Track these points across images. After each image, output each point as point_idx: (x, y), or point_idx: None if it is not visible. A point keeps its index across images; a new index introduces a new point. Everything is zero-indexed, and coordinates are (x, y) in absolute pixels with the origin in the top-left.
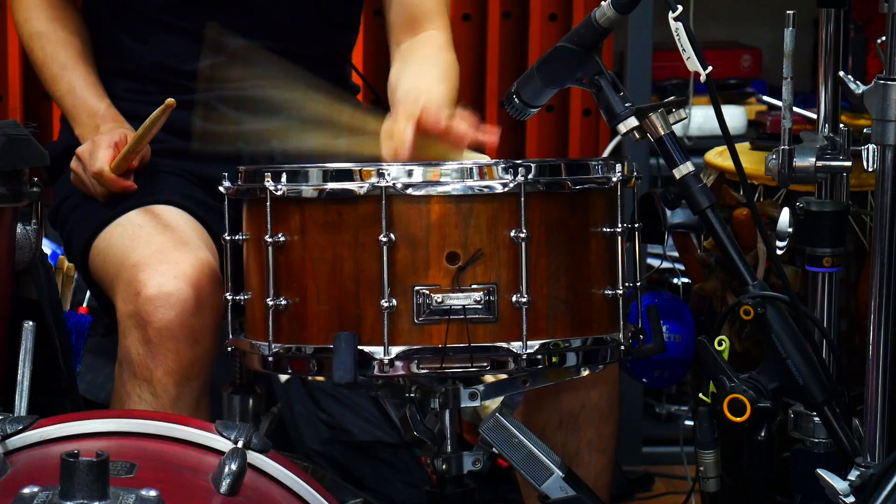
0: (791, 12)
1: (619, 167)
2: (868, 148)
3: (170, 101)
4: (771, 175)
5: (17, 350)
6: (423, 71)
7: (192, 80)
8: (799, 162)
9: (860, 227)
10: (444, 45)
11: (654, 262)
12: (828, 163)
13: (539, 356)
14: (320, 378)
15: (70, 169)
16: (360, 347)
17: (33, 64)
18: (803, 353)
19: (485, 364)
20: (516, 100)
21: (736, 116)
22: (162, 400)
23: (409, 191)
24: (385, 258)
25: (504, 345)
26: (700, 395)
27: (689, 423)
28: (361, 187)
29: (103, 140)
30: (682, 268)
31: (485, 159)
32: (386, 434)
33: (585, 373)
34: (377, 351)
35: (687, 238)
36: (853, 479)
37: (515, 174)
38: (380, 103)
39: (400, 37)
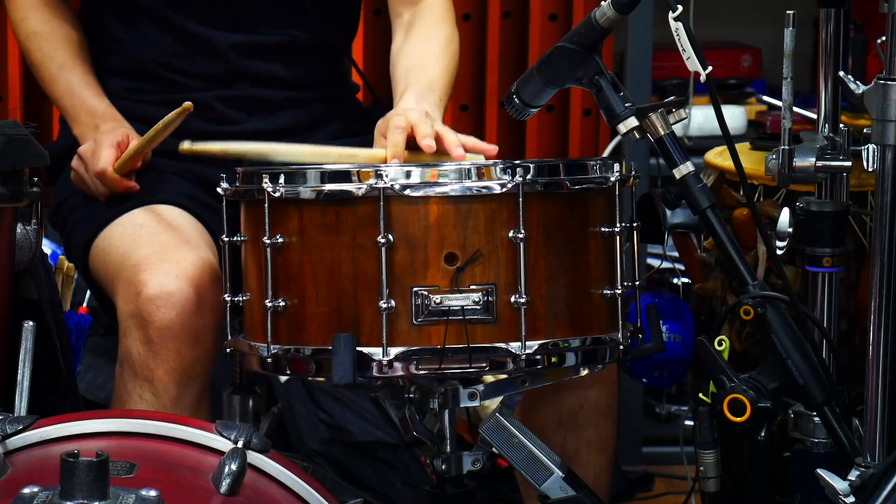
0: (791, 12)
1: (617, 167)
2: (868, 148)
3: (187, 104)
4: (771, 175)
5: (17, 350)
6: (424, 47)
7: (191, 78)
8: (799, 162)
9: (860, 227)
10: (444, 15)
11: (654, 262)
12: (828, 163)
13: (538, 356)
14: (319, 379)
15: (70, 168)
16: (358, 348)
17: (30, 64)
18: (803, 353)
19: (484, 364)
20: (516, 100)
21: (736, 116)
22: (163, 400)
23: (408, 192)
24: (383, 259)
25: (503, 345)
26: (700, 395)
27: (689, 423)
28: (359, 188)
29: (106, 139)
30: (682, 268)
31: (480, 159)
32: (386, 434)
33: (584, 373)
34: (376, 352)
35: (687, 238)
36: (853, 479)
37: (513, 175)
38: (380, 103)
39: (400, 7)
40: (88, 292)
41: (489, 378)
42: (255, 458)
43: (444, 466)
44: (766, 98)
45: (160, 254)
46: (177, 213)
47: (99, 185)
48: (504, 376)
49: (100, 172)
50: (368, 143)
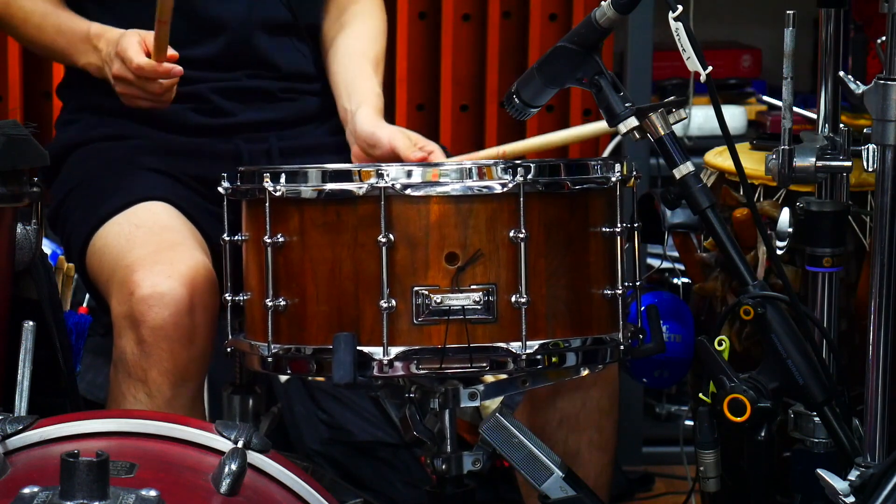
0: (791, 12)
1: (618, 167)
2: (868, 148)
3: None
4: (771, 175)
5: (17, 350)
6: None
7: (188, 65)
8: (799, 162)
9: (860, 227)
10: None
11: (654, 262)
12: (828, 163)
13: (538, 356)
14: (320, 378)
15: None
16: (359, 348)
17: (14, 29)
18: (803, 353)
19: (484, 364)
20: (516, 100)
21: (736, 116)
22: (157, 401)
23: (408, 191)
24: (384, 259)
25: (503, 345)
26: (700, 395)
27: (689, 423)
28: (360, 188)
29: (127, 40)
30: (682, 268)
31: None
32: (386, 434)
33: (585, 373)
34: (376, 351)
35: (687, 238)
36: (853, 479)
37: (514, 174)
38: None
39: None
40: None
41: (489, 378)
42: (255, 458)
43: (444, 466)
44: (766, 98)
45: (154, 255)
46: (173, 212)
47: (149, 85)
48: (504, 376)
49: (139, 67)
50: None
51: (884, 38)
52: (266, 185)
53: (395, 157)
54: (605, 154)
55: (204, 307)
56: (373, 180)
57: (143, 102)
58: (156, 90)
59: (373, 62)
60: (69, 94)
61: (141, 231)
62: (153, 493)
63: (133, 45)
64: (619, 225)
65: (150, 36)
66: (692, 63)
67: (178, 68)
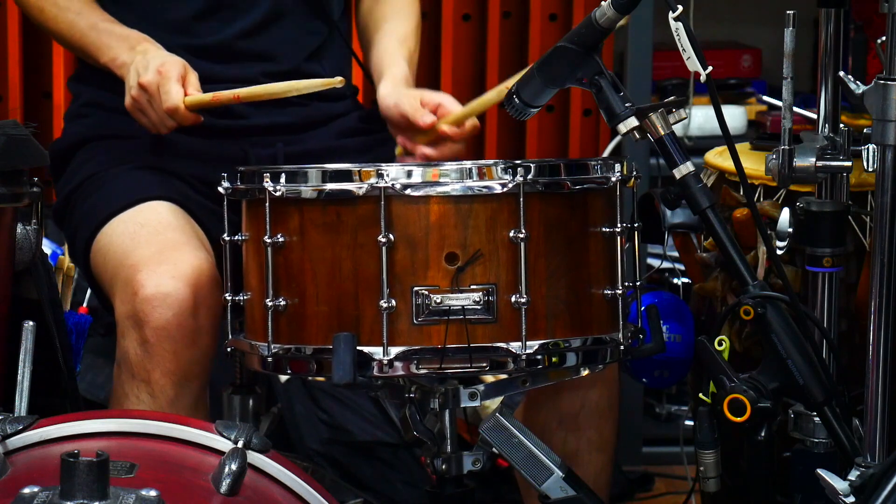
0: (791, 12)
1: (618, 167)
2: (868, 148)
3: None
4: (771, 175)
5: (17, 350)
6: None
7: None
8: (799, 162)
9: (860, 227)
10: None
11: (654, 262)
12: (828, 163)
13: (538, 356)
14: (320, 378)
15: (132, 98)
16: (359, 348)
17: (45, 23)
18: (803, 353)
19: (484, 364)
20: (516, 100)
21: (736, 116)
22: (160, 401)
23: (408, 191)
24: (384, 259)
25: (503, 345)
26: (700, 395)
27: (689, 423)
28: (360, 188)
29: (171, 72)
30: (682, 268)
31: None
32: (386, 434)
33: (585, 373)
34: (376, 351)
35: (687, 238)
36: (853, 479)
37: (514, 174)
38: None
39: None
40: (88, 292)
41: (489, 378)
42: (255, 458)
43: (444, 466)
44: (766, 98)
45: (158, 255)
46: (177, 212)
47: (167, 119)
48: (504, 376)
49: (172, 110)
50: (370, 143)
51: (884, 38)
52: (266, 185)
53: (411, 125)
54: (605, 154)
55: (207, 308)
56: (373, 180)
57: (146, 120)
58: (169, 125)
59: (399, 38)
60: (80, 89)
61: (145, 230)
62: (153, 493)
63: (174, 82)
64: (619, 225)
65: (192, 74)
66: (692, 63)
67: (201, 120)
